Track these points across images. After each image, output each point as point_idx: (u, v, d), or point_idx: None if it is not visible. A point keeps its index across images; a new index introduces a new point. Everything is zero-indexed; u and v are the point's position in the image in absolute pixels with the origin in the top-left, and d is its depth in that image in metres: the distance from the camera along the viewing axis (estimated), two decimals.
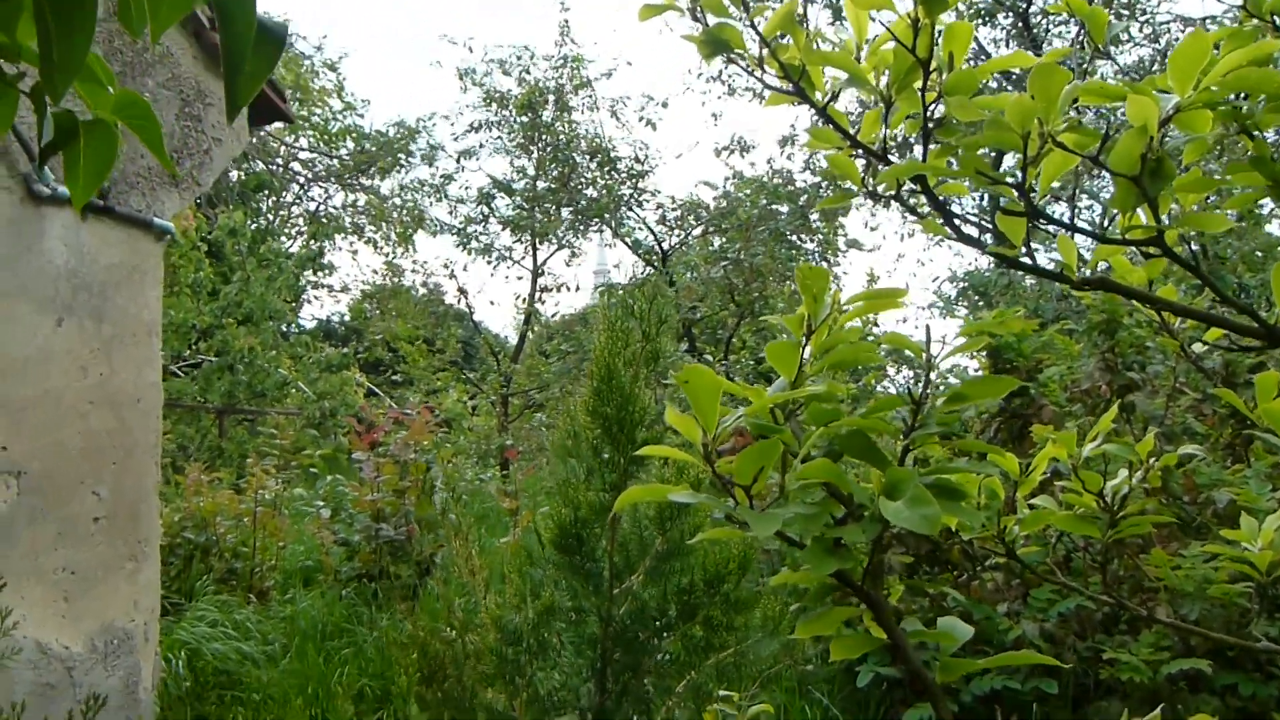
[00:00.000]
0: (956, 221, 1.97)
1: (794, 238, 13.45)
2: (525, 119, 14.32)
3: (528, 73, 14.62)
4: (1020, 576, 4.71)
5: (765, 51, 1.97)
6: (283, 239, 24.34)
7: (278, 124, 22.60)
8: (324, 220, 24.66)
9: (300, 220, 25.79)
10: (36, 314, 2.76)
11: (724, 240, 12.41)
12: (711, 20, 1.99)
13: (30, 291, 2.74)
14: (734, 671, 2.07)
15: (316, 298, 27.65)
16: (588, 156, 14.10)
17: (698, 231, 14.29)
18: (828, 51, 1.81)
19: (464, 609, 2.43)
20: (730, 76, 14.95)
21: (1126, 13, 13.27)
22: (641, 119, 14.47)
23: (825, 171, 13.73)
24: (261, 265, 13.46)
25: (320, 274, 25.54)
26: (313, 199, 25.74)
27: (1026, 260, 1.90)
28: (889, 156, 1.93)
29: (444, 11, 40.54)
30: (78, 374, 2.86)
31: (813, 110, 2.04)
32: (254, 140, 23.71)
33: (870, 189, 2.07)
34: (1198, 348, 3.15)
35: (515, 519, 6.44)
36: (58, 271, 2.77)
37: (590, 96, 14.31)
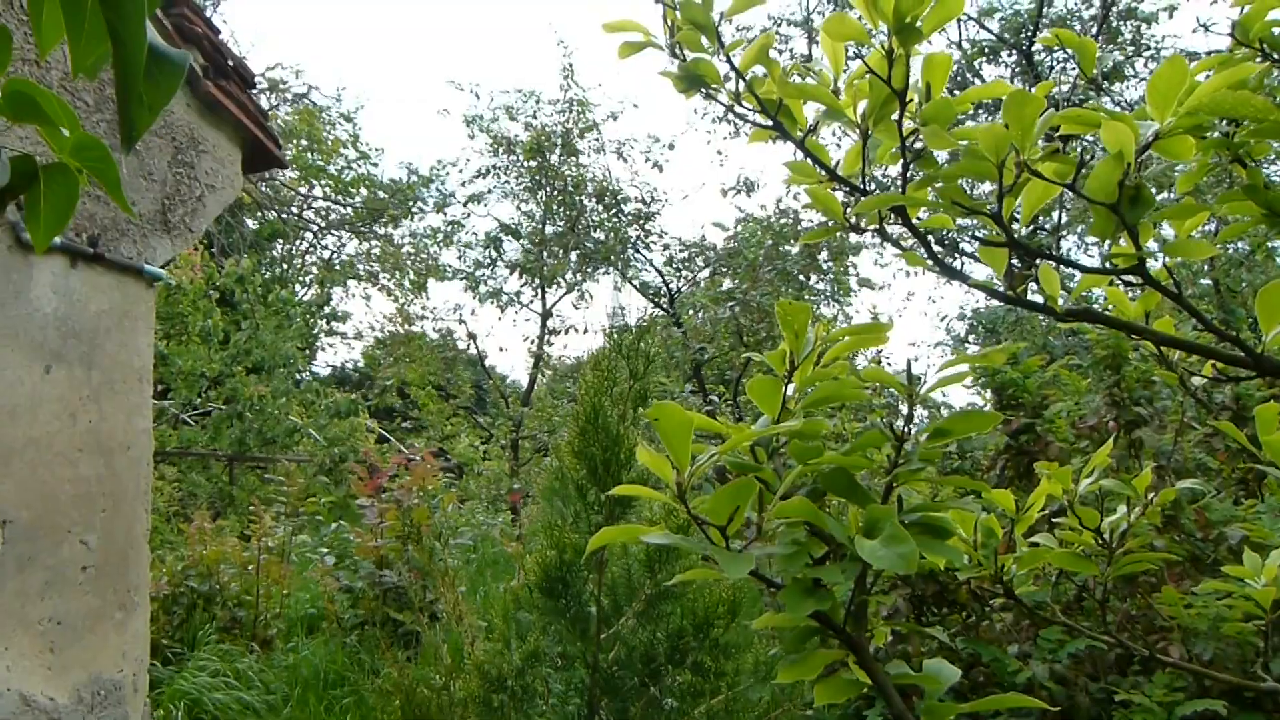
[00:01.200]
0: (939, 253, 1.94)
1: (802, 277, 13.44)
2: (533, 164, 14.41)
3: (534, 118, 14.76)
4: (1030, 617, 4.62)
5: (742, 86, 1.96)
6: (296, 287, 24.52)
7: (291, 173, 22.67)
8: (336, 268, 24.83)
9: (314, 268, 25.98)
10: (26, 360, 2.75)
11: (732, 281, 12.41)
12: (690, 56, 1.98)
13: (19, 338, 2.73)
14: (725, 718, 2.02)
15: (330, 345, 27.79)
16: (594, 199, 14.17)
17: (705, 273, 14.31)
18: (804, 85, 1.80)
19: (452, 655, 2.39)
20: (735, 119, 15.02)
21: (1132, 48, 13.32)
22: (648, 160, 14.57)
23: (804, 238, 13.67)
24: (272, 312, 13.52)
25: (334, 321, 25.69)
26: (326, 247, 25.95)
27: (1005, 291, 1.87)
28: (867, 189, 1.91)
29: (450, 57, 41.07)
30: (67, 421, 2.85)
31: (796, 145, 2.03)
32: (268, 190, 23.97)
33: (852, 222, 2.05)
34: (1197, 380, 3.10)
35: (520, 563, 6.38)
36: (46, 318, 2.77)
37: (597, 139, 14.42)
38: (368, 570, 5.89)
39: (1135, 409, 4.66)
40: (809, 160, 1.95)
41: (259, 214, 24.39)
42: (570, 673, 2.09)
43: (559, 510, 2.16)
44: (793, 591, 1.49)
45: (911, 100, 1.82)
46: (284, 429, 12.60)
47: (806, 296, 14.05)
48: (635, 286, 14.14)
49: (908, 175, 1.82)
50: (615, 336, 2.24)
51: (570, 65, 14.88)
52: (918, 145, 1.85)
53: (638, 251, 14.21)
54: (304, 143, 23.26)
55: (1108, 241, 1.76)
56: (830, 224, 2.11)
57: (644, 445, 1.52)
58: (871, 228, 2.06)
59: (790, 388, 2.00)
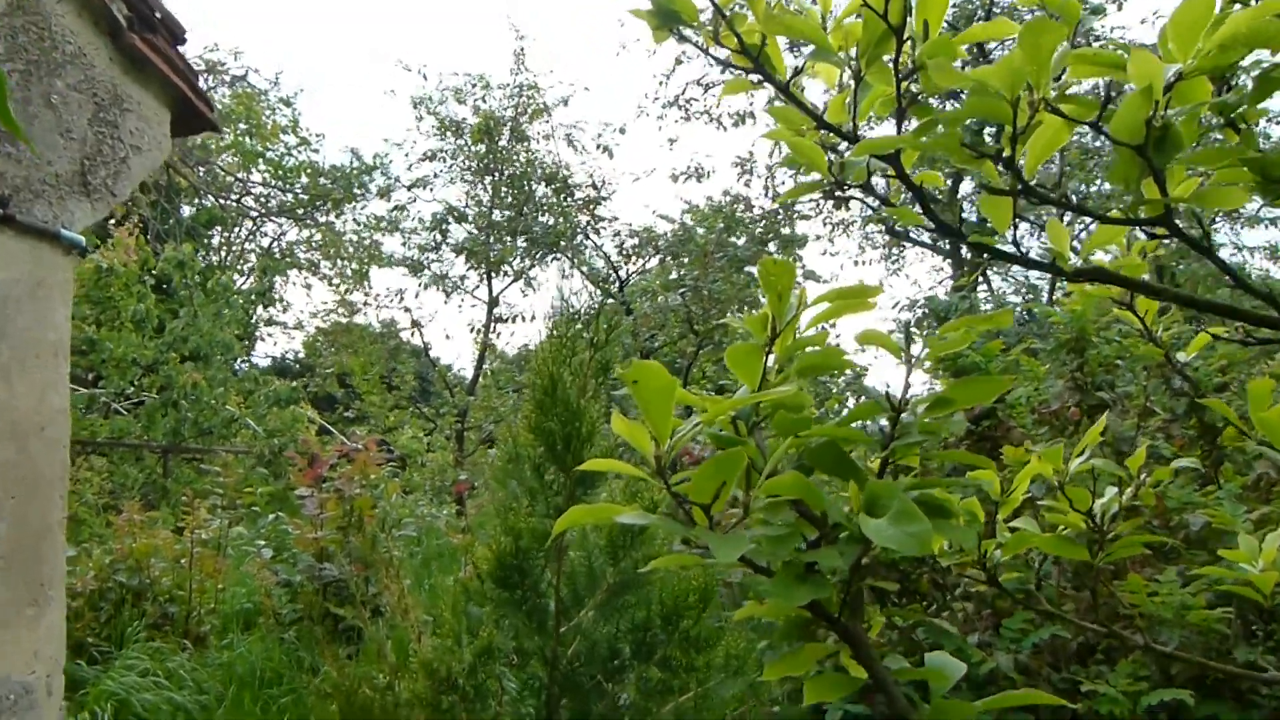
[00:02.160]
0: (931, 214, 1.79)
1: (750, 270, 13.33)
2: (481, 147, 14.13)
3: (483, 101, 14.48)
4: (991, 606, 4.53)
5: (721, 24, 1.79)
6: (235, 276, 23.97)
7: (230, 159, 22.08)
8: (276, 256, 24.30)
9: (253, 256, 25.41)
10: None
11: (682, 268, 12.27)
12: None
13: None
14: (694, 716, 1.86)
15: (270, 335, 27.21)
16: (543, 183, 13.93)
17: (655, 261, 14.16)
18: (791, 17, 1.63)
19: (397, 653, 2.20)
20: (687, 101, 14.91)
21: (1082, 40, 13.33)
22: (599, 146, 14.38)
23: (783, 197, 13.59)
24: (210, 299, 13.12)
25: (274, 309, 25.16)
26: (266, 235, 25.38)
27: (1009, 249, 1.72)
28: (858, 137, 1.75)
29: (400, 42, 40.42)
30: None
31: (776, 92, 1.87)
32: (205, 175, 23.38)
33: (837, 178, 1.89)
34: (1181, 356, 2.98)
35: (468, 555, 6.18)
36: None
37: (547, 122, 14.20)
38: (307, 563, 5.66)
39: (1098, 394, 4.58)
40: (794, 107, 1.79)
41: (196, 200, 23.80)
42: (527, 670, 1.91)
43: (514, 493, 1.97)
44: (785, 578, 1.33)
45: (906, 41, 1.67)
46: (221, 419, 12.23)
47: (753, 288, 13.95)
48: (584, 274, 13.96)
49: (902, 121, 1.67)
50: (571, 324, 2.07)
51: (522, 50, 14.65)
52: (914, 90, 1.70)
53: (587, 237, 14.02)
54: (242, 127, 22.72)
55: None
56: (813, 179, 1.95)
57: (618, 414, 1.35)
58: (858, 183, 1.90)
59: (771, 357, 1.83)
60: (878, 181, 2.02)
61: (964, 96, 1.59)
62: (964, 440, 4.72)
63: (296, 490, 5.99)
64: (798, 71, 1.74)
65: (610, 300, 13.46)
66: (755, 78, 1.90)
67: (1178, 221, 1.42)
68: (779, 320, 1.80)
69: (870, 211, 14.82)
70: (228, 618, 6.13)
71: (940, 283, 15.34)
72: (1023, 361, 5.32)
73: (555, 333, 1.97)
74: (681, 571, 2.00)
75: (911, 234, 15.00)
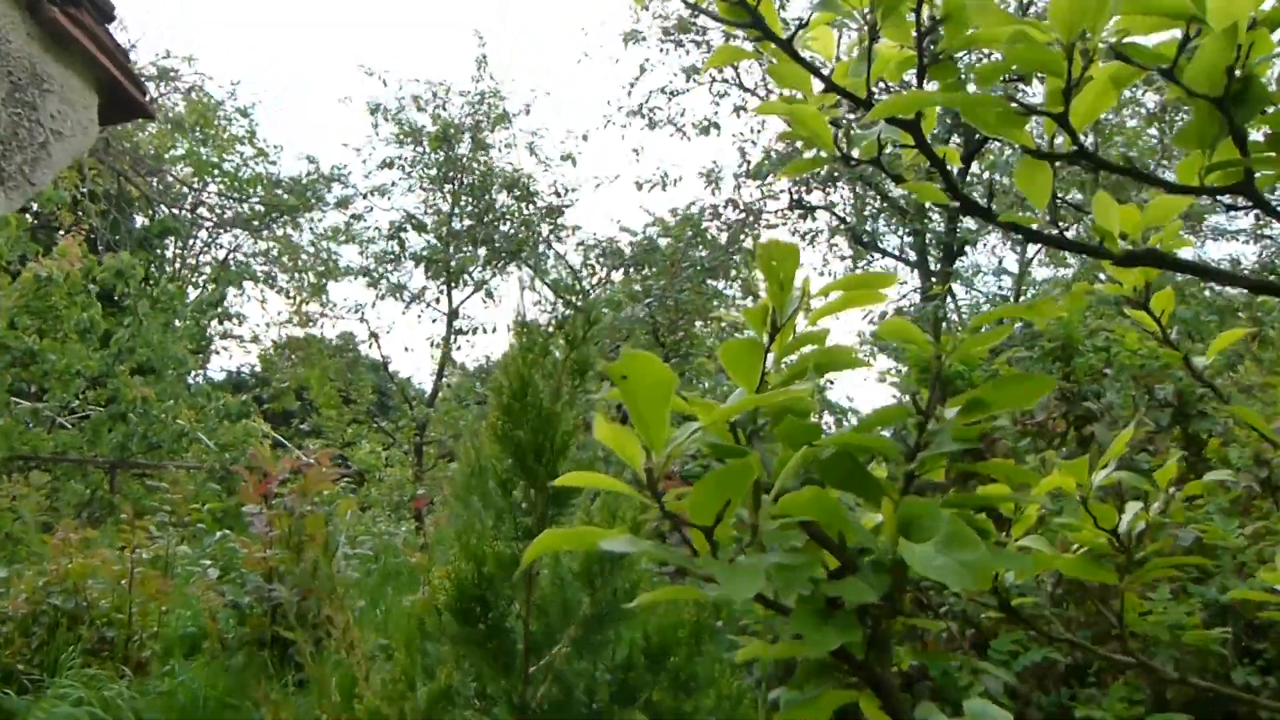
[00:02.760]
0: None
1: (712, 283, 13.14)
2: (441, 155, 13.85)
3: (443, 109, 14.20)
4: (976, 625, 4.34)
5: None
6: (190, 288, 23.46)
7: (184, 169, 21.59)
8: (232, 268, 23.84)
9: (208, 269, 24.89)
10: None
11: (647, 277, 12.06)
12: None
13: None
14: None
15: (225, 348, 26.66)
16: (505, 191, 13.67)
17: (619, 273, 13.95)
18: None
19: (343, 693, 1.95)
20: (651, 109, 14.70)
21: None
22: (563, 156, 14.16)
23: (784, 171, 13.53)
24: (158, 309, 12.71)
25: (229, 323, 24.66)
26: (221, 246, 24.88)
27: (1039, 229, 1.51)
28: (872, 100, 1.54)
29: (360, 50, 39.96)
30: None
31: (768, 56, 1.65)
32: (158, 185, 22.88)
33: (843, 152, 1.67)
34: (1199, 361, 2.77)
35: (427, 575, 5.90)
36: None
37: (508, 130, 13.96)
38: (255, 584, 5.35)
39: (1085, 404, 4.41)
40: (796, 66, 1.57)
41: (150, 211, 23.29)
42: (491, 717, 1.67)
43: (476, 512, 1.73)
44: (806, 617, 1.10)
45: None
46: (171, 433, 11.82)
47: (717, 303, 13.78)
48: (547, 284, 13.69)
49: (923, 80, 1.45)
50: (533, 335, 1.83)
51: (484, 56, 14.40)
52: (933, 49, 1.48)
53: (550, 246, 13.79)
54: (198, 135, 22.26)
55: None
56: (814, 155, 1.73)
57: (601, 417, 1.11)
58: (866, 157, 1.69)
59: (770, 356, 1.61)
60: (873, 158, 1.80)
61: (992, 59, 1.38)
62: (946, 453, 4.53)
63: (244, 507, 5.68)
64: (802, 25, 1.52)
65: (574, 311, 13.18)
66: (741, 43, 1.68)
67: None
68: (780, 313, 1.58)
69: (838, 222, 14.74)
70: (170, 642, 5.81)
71: (904, 295, 15.24)
72: (1004, 371, 5.15)
73: (525, 330, 1.74)
74: (670, 602, 1.77)
75: (879, 244, 14.92)
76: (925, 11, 1.44)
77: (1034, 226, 1.42)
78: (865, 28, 1.44)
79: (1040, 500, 2.07)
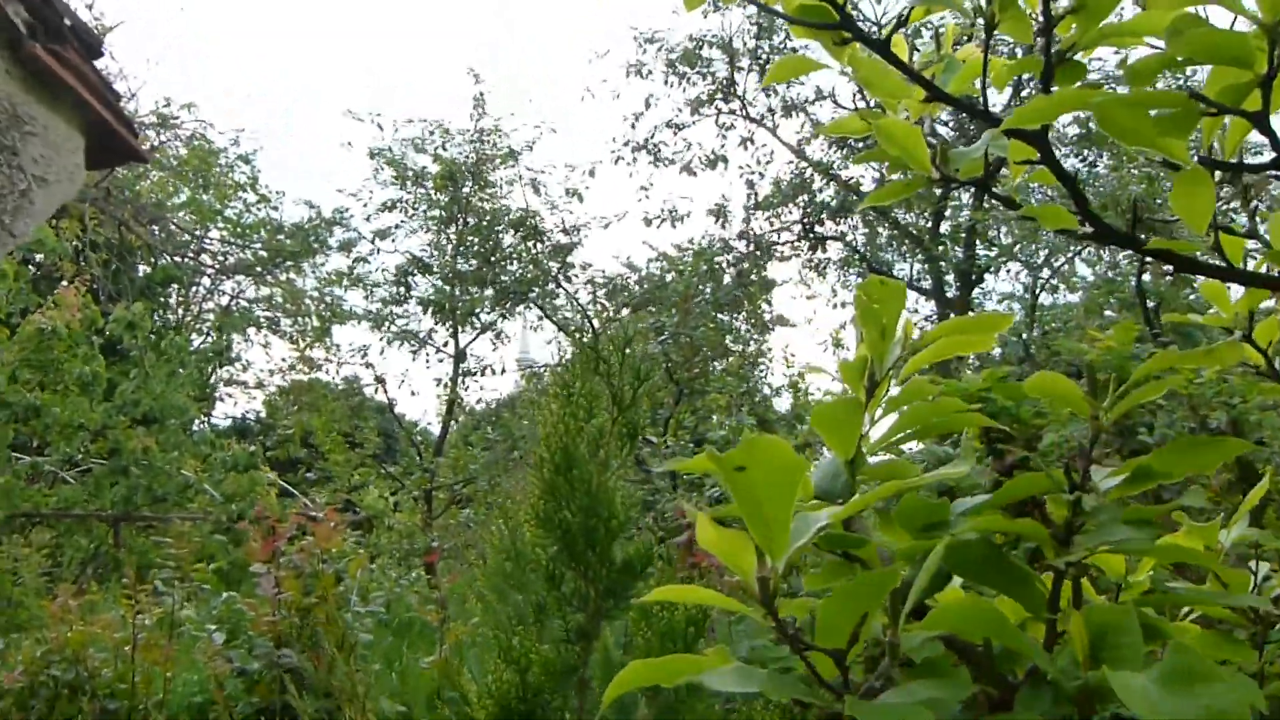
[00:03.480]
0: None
1: (724, 316, 12.93)
2: (445, 196, 13.68)
3: (443, 149, 14.04)
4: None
5: None
6: (193, 336, 23.31)
7: (187, 217, 21.50)
8: (235, 314, 23.67)
9: (211, 315, 24.73)
10: None
11: (660, 313, 11.84)
12: None
13: None
14: None
15: (230, 394, 26.41)
16: (511, 231, 13.49)
17: (627, 311, 13.73)
18: None
19: None
20: (657, 145, 14.56)
21: None
22: (569, 192, 13.98)
23: (762, 238, 13.28)
24: (163, 360, 12.50)
25: (232, 369, 24.48)
26: (224, 293, 24.72)
27: (1208, 261, 1.27)
28: (989, 110, 1.30)
29: (358, 90, 40.02)
30: None
31: (844, 64, 1.42)
32: (160, 232, 22.77)
33: (942, 172, 1.43)
34: None
35: (442, 632, 5.62)
36: None
37: (513, 168, 13.79)
38: (264, 649, 5.07)
39: (1139, 437, 4.16)
40: (890, 69, 1.34)
41: (151, 259, 23.16)
42: None
43: (517, 608, 1.48)
44: None
45: None
46: (175, 485, 11.57)
47: (730, 339, 13.55)
48: (555, 323, 13.45)
49: (1050, 86, 1.22)
50: (588, 345, 1.60)
51: (481, 95, 14.25)
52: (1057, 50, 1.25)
53: (559, 285, 13.57)
54: (199, 182, 22.17)
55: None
56: (907, 176, 1.49)
57: (706, 519, 0.87)
58: (969, 177, 1.45)
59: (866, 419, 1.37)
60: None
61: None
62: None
63: (252, 566, 5.42)
64: (901, 22, 1.29)
65: (585, 350, 12.95)
66: (811, 49, 1.45)
67: None
68: (879, 365, 1.34)
69: (850, 252, 14.50)
70: (176, 712, 5.52)
71: (917, 324, 14.93)
72: (1047, 404, 4.90)
73: (567, 387, 1.50)
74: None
75: (893, 273, 14.68)
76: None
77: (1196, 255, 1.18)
78: (984, 23, 1.21)
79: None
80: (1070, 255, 13.77)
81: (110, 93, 2.91)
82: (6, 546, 7.73)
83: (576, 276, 13.63)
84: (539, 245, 13.36)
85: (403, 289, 14.32)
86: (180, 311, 24.91)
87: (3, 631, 6.34)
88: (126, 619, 5.49)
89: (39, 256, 16.75)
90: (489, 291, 13.51)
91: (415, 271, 14.29)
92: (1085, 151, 13.46)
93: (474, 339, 14.46)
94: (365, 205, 16.01)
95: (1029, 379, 1.13)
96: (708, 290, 12.44)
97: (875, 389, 1.31)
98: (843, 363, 1.26)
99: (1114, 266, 14.57)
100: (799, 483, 0.83)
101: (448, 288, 13.75)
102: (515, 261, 13.37)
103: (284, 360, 21.91)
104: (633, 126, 14.56)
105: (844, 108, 14.10)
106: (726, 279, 13.14)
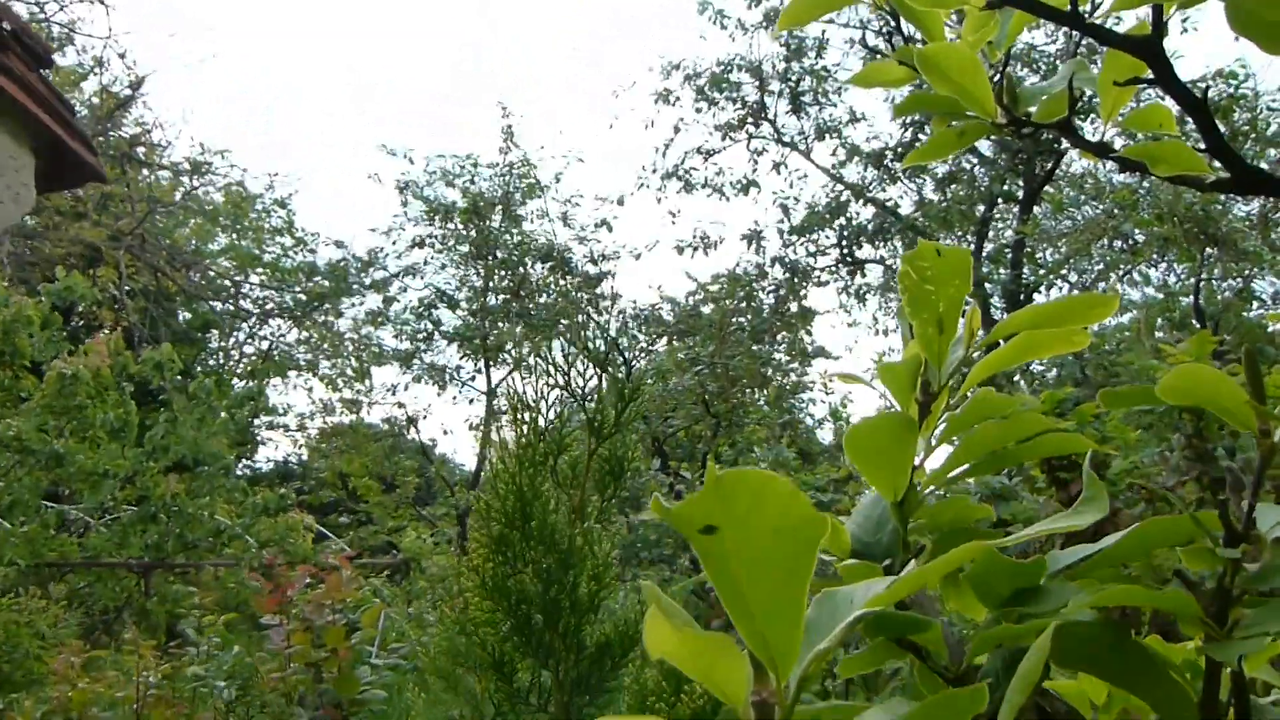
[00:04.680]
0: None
1: (761, 346, 12.56)
2: (473, 230, 13.51)
3: (472, 182, 13.88)
4: None
5: None
6: (236, 380, 23.33)
7: (225, 263, 21.58)
8: (276, 358, 23.67)
9: (252, 358, 24.75)
10: None
11: (694, 344, 11.52)
12: None
13: None
14: None
15: (270, 439, 26.37)
16: (540, 262, 13.28)
17: (663, 343, 13.44)
18: None
19: None
20: (687, 171, 14.28)
21: None
22: (598, 223, 13.76)
23: (798, 264, 12.91)
24: (193, 403, 12.34)
25: (273, 414, 24.45)
26: (265, 337, 24.75)
27: None
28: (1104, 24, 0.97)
29: (386, 122, 40.14)
30: None
31: None
32: (199, 279, 22.85)
33: (1011, 115, 1.10)
34: None
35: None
36: None
37: (540, 200, 13.61)
38: (277, 709, 4.77)
39: (1223, 464, 3.72)
40: None
41: (192, 305, 23.23)
42: None
43: (470, 695, 1.14)
44: None
45: None
46: (206, 531, 11.35)
47: (768, 369, 13.17)
48: (587, 356, 13.08)
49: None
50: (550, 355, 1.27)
51: (509, 127, 14.09)
52: None
53: (589, 318, 13.28)
54: (235, 228, 22.27)
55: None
56: (962, 124, 1.16)
57: (657, 614, 0.53)
58: (1051, 120, 1.11)
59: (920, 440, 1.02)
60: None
61: None
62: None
63: (262, 618, 5.12)
64: None
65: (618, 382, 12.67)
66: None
67: None
68: (936, 369, 0.99)
69: (890, 276, 14.07)
70: None
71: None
72: (1110, 427, 4.49)
73: (524, 414, 1.17)
74: None
75: None
76: None
77: None
78: None
79: None
80: (1126, 269, 13.25)
81: (64, 106, 2.64)
82: (24, 599, 7.51)
83: (608, 308, 13.38)
84: (568, 278, 13.13)
85: (430, 323, 14.16)
86: (221, 357, 24.96)
87: (13, 688, 6.08)
88: (133, 676, 5.21)
89: (81, 306, 16.78)
90: (519, 326, 13.27)
91: (440, 304, 14.13)
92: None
93: (505, 375, 14.22)
94: (395, 243, 15.93)
95: (1165, 378, 0.78)
96: (745, 320, 12.11)
97: (932, 402, 0.97)
98: (884, 365, 0.91)
99: (1164, 287, 14.03)
100: (815, 547, 0.49)
101: (474, 320, 13.55)
102: (544, 294, 13.15)
103: (322, 402, 21.86)
104: (662, 154, 14.32)
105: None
106: (764, 308, 12.81)
